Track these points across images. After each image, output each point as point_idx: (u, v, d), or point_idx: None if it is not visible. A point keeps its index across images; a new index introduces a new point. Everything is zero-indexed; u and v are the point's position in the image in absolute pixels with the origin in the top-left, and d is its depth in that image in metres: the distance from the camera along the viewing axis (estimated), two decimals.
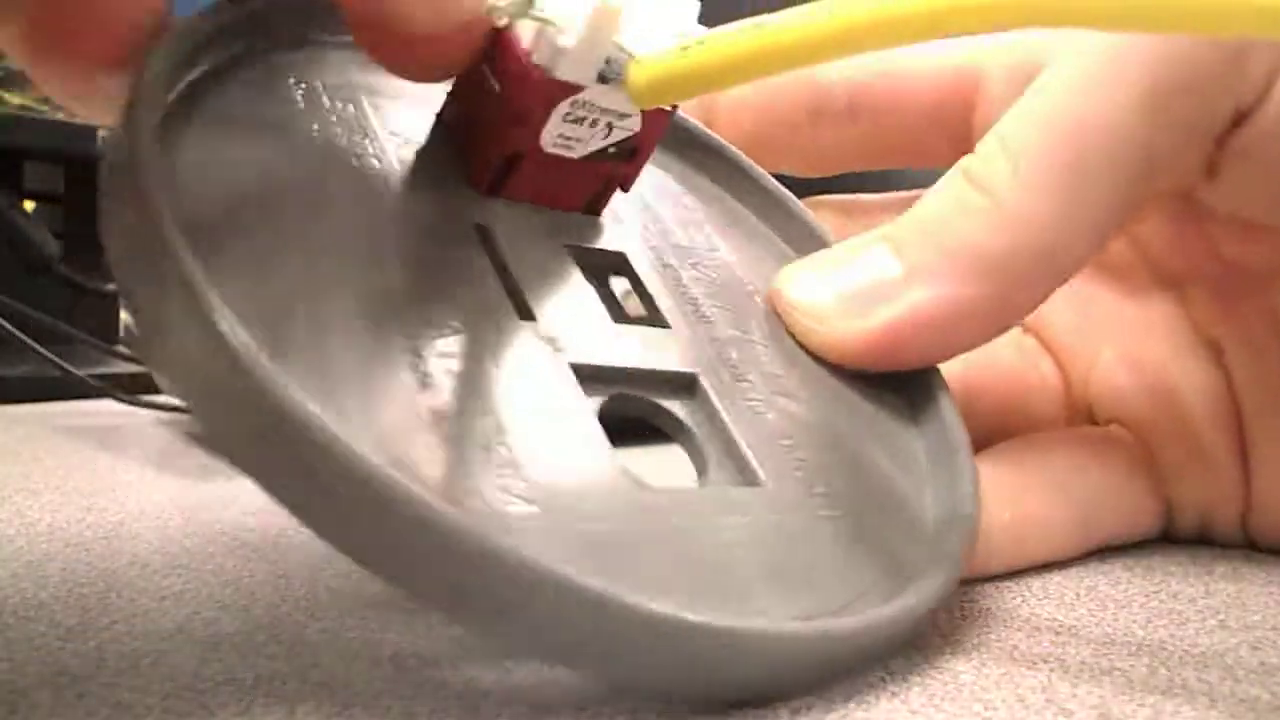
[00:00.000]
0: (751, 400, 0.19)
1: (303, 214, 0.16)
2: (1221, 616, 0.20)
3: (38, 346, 0.40)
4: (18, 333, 0.40)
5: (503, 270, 0.18)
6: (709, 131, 0.24)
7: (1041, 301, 0.21)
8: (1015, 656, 0.17)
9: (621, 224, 0.21)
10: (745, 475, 0.17)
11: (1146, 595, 0.21)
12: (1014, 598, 0.20)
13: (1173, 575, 0.22)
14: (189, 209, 0.15)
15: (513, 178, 0.19)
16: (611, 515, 0.15)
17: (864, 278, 0.21)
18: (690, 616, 0.13)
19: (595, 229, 0.20)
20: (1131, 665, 0.17)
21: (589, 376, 0.17)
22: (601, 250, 0.20)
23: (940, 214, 0.21)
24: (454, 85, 0.20)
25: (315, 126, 0.18)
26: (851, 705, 0.15)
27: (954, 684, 0.16)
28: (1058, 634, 0.18)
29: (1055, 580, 0.22)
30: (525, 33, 0.18)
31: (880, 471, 0.19)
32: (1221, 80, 0.20)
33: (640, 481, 0.16)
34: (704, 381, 0.18)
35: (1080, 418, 0.26)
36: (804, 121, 0.26)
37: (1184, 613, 0.20)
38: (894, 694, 0.16)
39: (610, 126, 0.19)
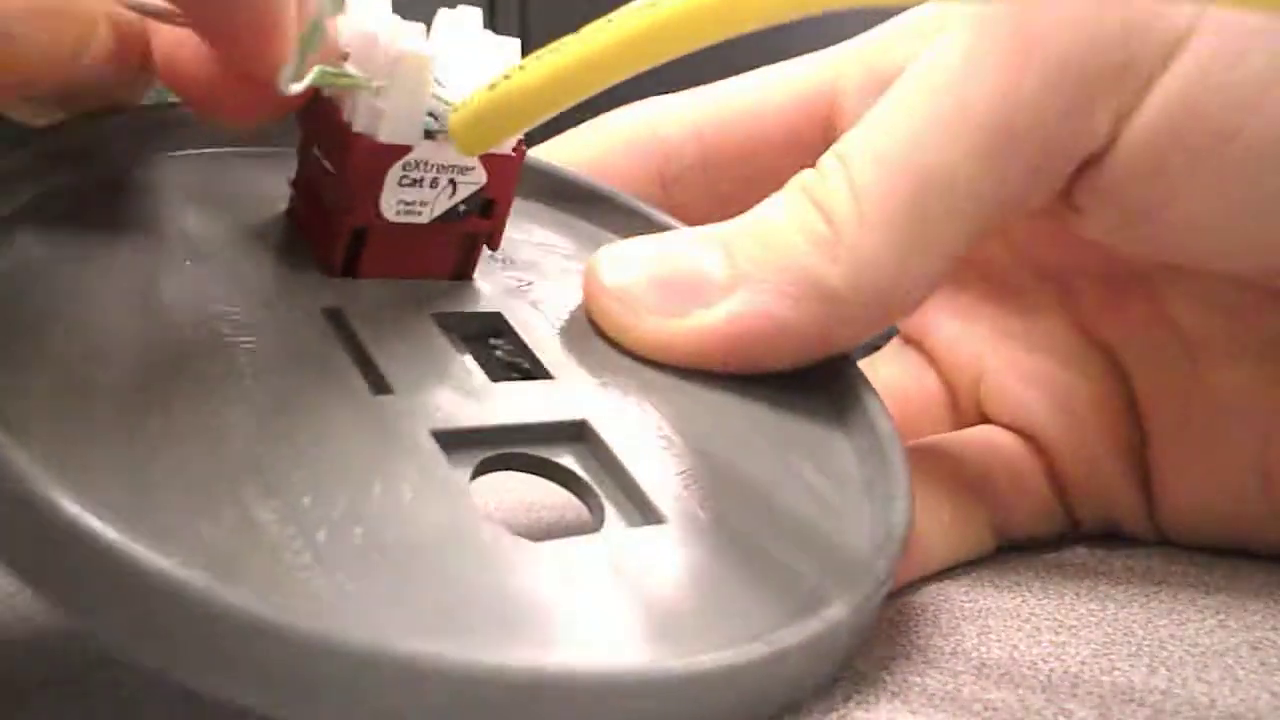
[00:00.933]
0: (652, 435, 0.18)
1: (123, 332, 0.16)
2: (1221, 616, 0.20)
3: None
4: None
5: (358, 350, 0.17)
6: (585, 176, 0.24)
7: (864, 338, 0.21)
8: (1015, 656, 0.17)
9: (496, 283, 0.20)
10: (647, 515, 0.17)
11: (1147, 595, 0.21)
12: (1014, 598, 0.20)
13: (1173, 575, 0.22)
14: None
15: (364, 255, 0.19)
16: (461, 579, 0.14)
17: (687, 273, 0.20)
18: (484, 662, 0.12)
19: (467, 293, 0.20)
20: (1131, 665, 0.17)
21: (456, 441, 0.16)
22: (474, 314, 0.19)
23: (779, 229, 0.20)
24: (295, 175, 0.19)
25: (140, 241, 0.18)
26: (851, 705, 0.15)
27: (954, 684, 0.16)
28: (1057, 634, 0.18)
29: (1055, 580, 0.22)
30: (344, 101, 0.17)
31: (803, 487, 0.18)
32: (1068, 125, 0.19)
33: (512, 539, 0.15)
34: (594, 425, 0.18)
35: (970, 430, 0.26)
36: (657, 187, 0.25)
37: (1184, 613, 0.20)
38: (894, 694, 0.16)
39: (454, 183, 0.18)
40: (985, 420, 0.25)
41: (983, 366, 0.25)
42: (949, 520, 0.21)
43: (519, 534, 0.15)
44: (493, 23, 1.14)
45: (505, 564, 0.14)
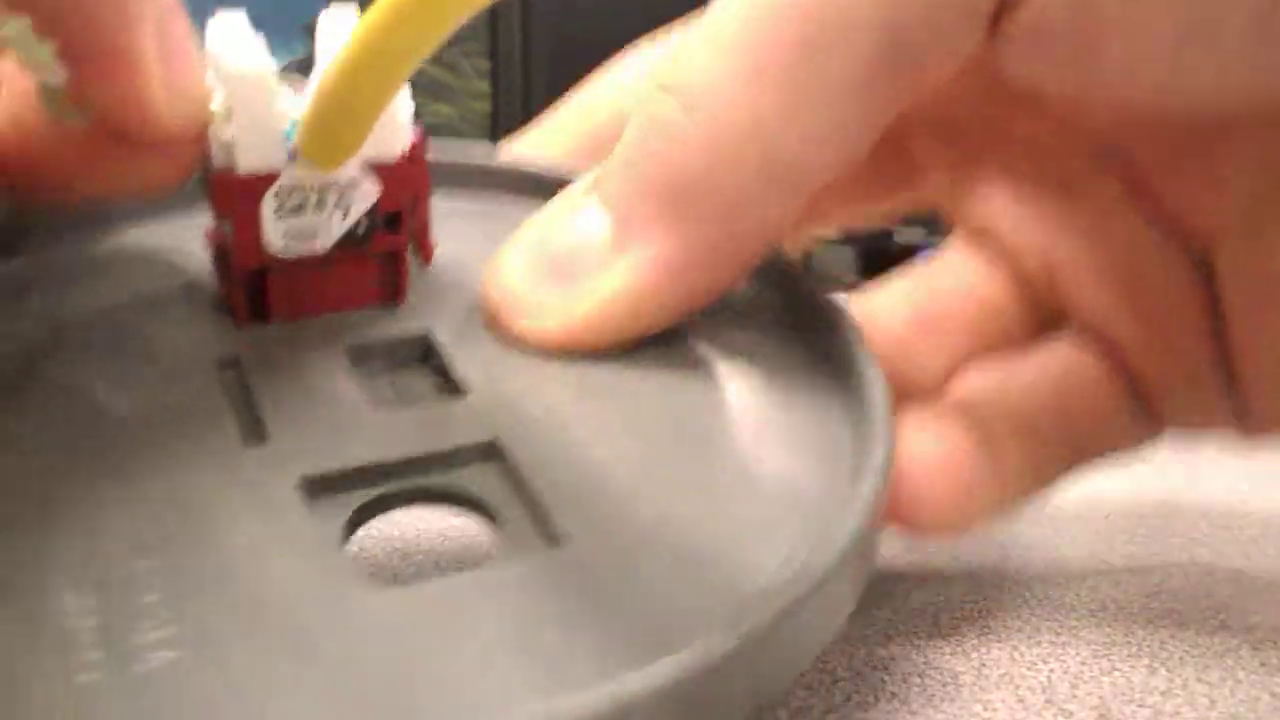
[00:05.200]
0: (574, 445, 0.16)
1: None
2: (1222, 616, 0.20)
3: None
4: None
5: (244, 399, 0.16)
6: (509, 160, 0.22)
7: (789, 222, 0.17)
8: (1015, 657, 0.17)
9: (439, 300, 0.19)
10: (547, 536, 0.15)
11: (1147, 595, 0.21)
12: (1014, 598, 0.20)
13: (1172, 575, 0.22)
14: None
15: (269, 297, 0.17)
16: (300, 643, 0.13)
17: (564, 245, 0.18)
18: None
19: (395, 317, 0.18)
20: (1131, 665, 0.17)
21: (330, 484, 0.15)
22: (398, 340, 0.18)
23: (636, 139, 0.17)
24: (209, 229, 0.18)
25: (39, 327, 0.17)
26: (851, 705, 0.15)
27: (954, 684, 0.16)
28: (1058, 634, 0.18)
29: (1056, 580, 0.22)
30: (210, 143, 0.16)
31: (745, 491, 0.16)
32: None
33: (372, 588, 0.14)
34: (505, 441, 0.16)
35: (1043, 329, 0.24)
36: None
37: (1184, 613, 0.20)
38: (894, 694, 0.16)
39: (343, 203, 0.17)
40: (1061, 316, 0.24)
41: (1053, 262, 0.23)
42: (1019, 461, 0.20)
43: (406, 575, 0.14)
44: (494, 27, 1.14)
45: (363, 627, 0.13)
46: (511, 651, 0.13)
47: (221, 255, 0.18)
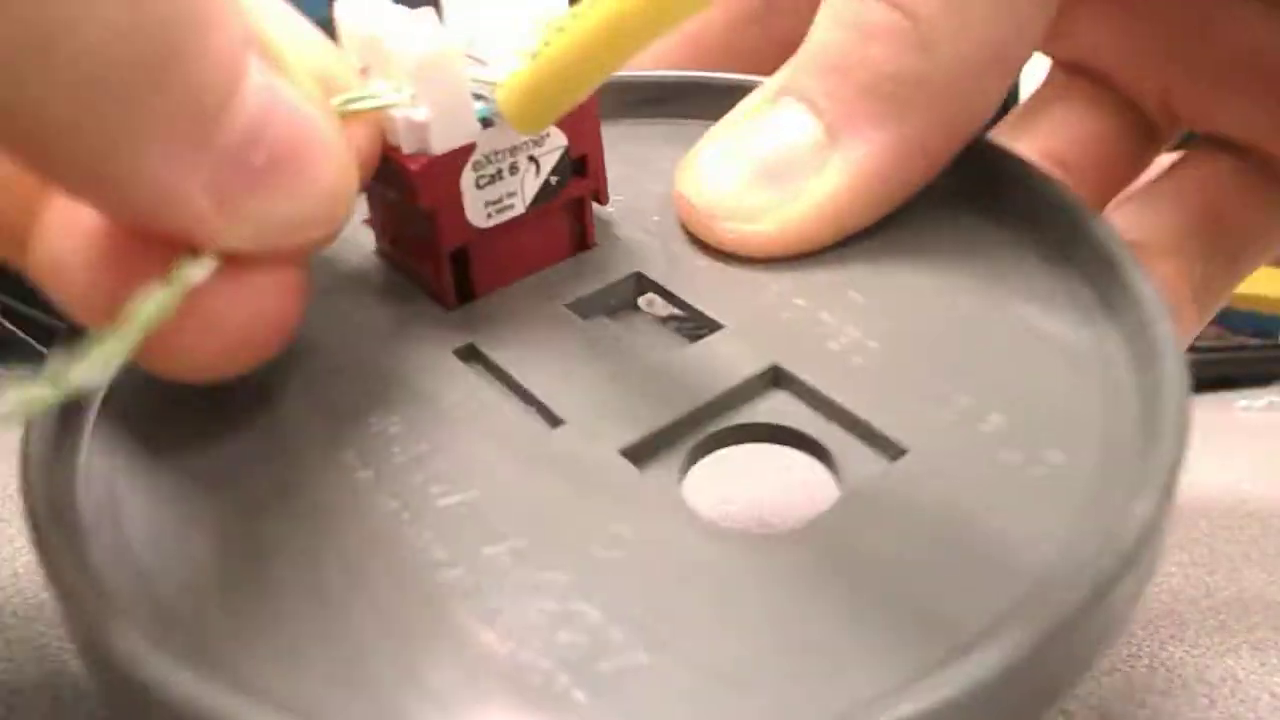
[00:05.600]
0: (854, 354, 0.15)
1: (261, 485, 0.14)
2: (1222, 616, 0.19)
3: (39, 346, 0.40)
4: (18, 332, 0.40)
5: (509, 383, 0.16)
6: (661, 71, 0.21)
7: (996, 105, 0.18)
8: None
9: (623, 238, 0.18)
10: (885, 448, 0.14)
11: (1147, 595, 0.21)
12: None
13: (1172, 575, 0.22)
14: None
15: (474, 274, 0.17)
16: (709, 635, 0.12)
17: (780, 149, 0.17)
18: None
19: (596, 265, 0.18)
20: (1131, 665, 0.17)
21: (649, 448, 0.14)
22: (611, 285, 0.17)
23: (844, 47, 0.17)
24: (369, 213, 0.17)
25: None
26: None
27: None
28: None
29: None
30: (389, 130, 0.15)
31: (1031, 403, 0.15)
32: None
33: (749, 550, 0.13)
34: (788, 366, 0.15)
35: (1171, 144, 0.23)
36: (759, 12, 0.22)
37: (1184, 613, 0.20)
38: None
39: (534, 159, 0.16)
40: (1180, 134, 0.23)
41: (1170, 79, 0.22)
42: (1180, 288, 0.20)
43: (760, 525, 0.14)
44: None
45: (738, 586, 0.13)
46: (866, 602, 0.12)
47: (405, 242, 0.17)
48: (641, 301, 0.18)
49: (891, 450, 0.14)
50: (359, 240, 0.18)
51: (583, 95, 0.15)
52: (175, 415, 0.15)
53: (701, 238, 0.18)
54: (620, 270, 0.17)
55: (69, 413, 0.14)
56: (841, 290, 0.17)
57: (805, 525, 0.13)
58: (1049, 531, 0.13)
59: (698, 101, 0.20)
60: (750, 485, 0.21)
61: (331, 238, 0.14)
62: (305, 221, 0.13)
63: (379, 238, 0.18)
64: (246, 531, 0.13)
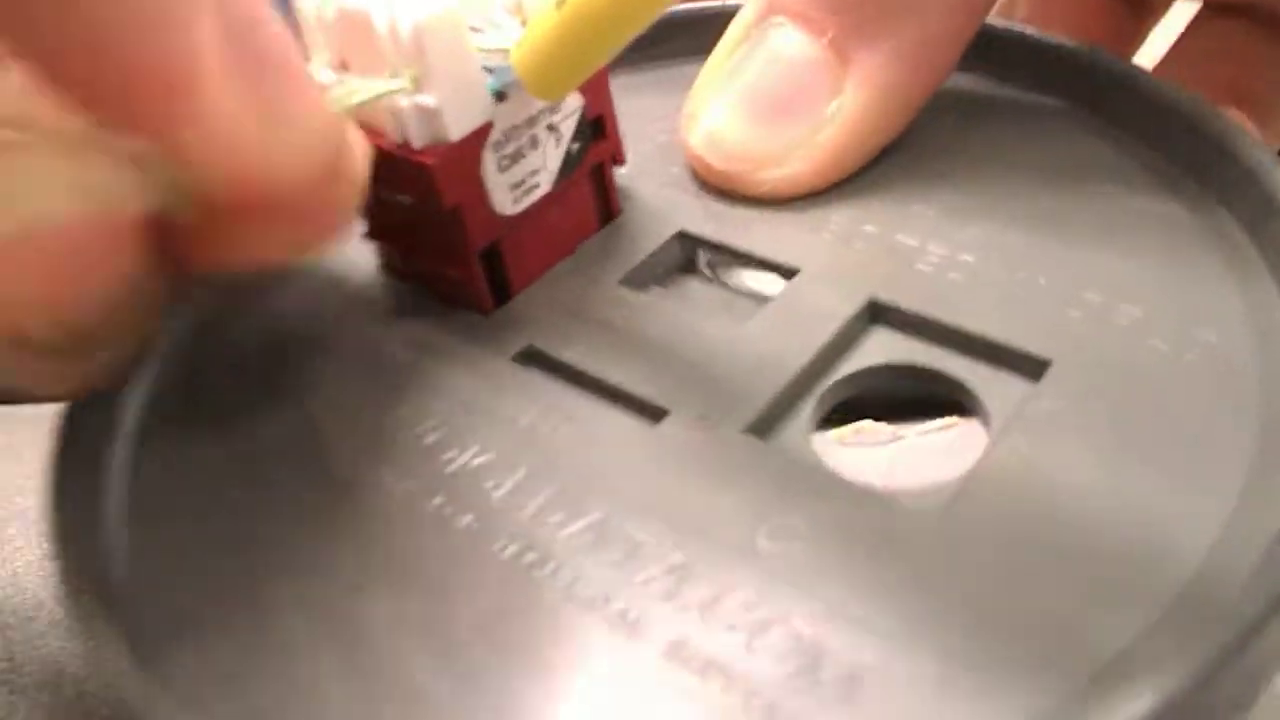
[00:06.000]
0: (952, 275, 0.14)
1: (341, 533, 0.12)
2: None
3: None
4: None
5: (590, 383, 0.14)
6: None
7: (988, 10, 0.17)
8: None
9: (648, 198, 0.16)
10: (1023, 367, 0.13)
11: None
12: None
13: None
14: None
15: (508, 271, 0.15)
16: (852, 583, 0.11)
17: (786, 79, 0.16)
18: None
19: (631, 232, 0.16)
20: None
21: (772, 420, 0.13)
22: (657, 252, 0.16)
23: None
24: (368, 226, 0.15)
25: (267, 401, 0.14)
26: None
27: None
28: None
29: None
30: (388, 125, 0.13)
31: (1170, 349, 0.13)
32: None
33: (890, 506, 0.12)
34: (885, 299, 0.14)
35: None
36: None
37: None
38: None
39: (553, 128, 0.15)
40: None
41: None
42: None
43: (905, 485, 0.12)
44: None
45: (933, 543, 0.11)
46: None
47: (421, 250, 0.15)
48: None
49: (1030, 367, 0.13)
50: (359, 261, 0.16)
51: (617, 48, 0.13)
52: (225, 474, 0.13)
53: (741, 192, 0.16)
54: (660, 233, 0.16)
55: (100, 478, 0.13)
56: (905, 206, 0.15)
57: (956, 483, 0.12)
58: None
59: (679, 40, 0.19)
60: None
61: (332, 227, 0.12)
62: (306, 149, 0.11)
63: (385, 253, 0.16)
64: (346, 615, 0.11)
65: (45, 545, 0.21)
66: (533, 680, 0.10)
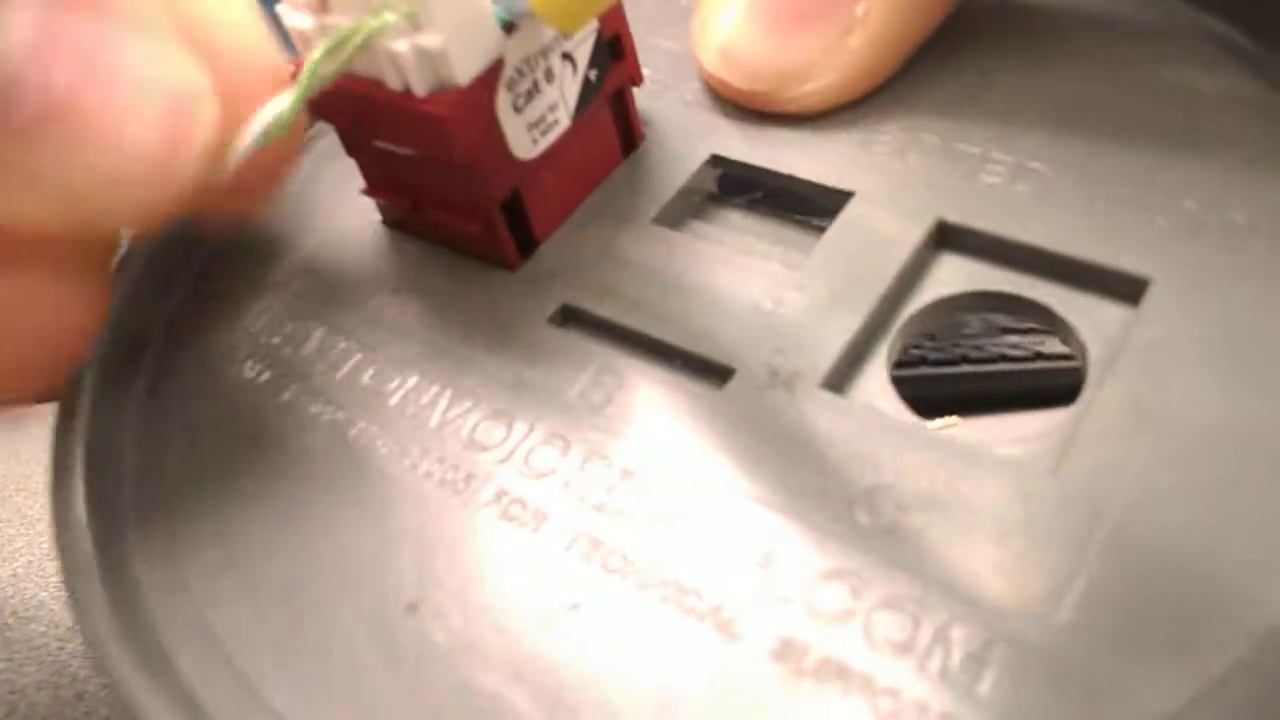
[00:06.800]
0: (1020, 188, 0.13)
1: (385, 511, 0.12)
2: None
3: None
4: None
5: (639, 342, 0.12)
6: None
7: None
8: None
9: (671, 121, 0.15)
10: (1119, 289, 0.11)
11: None
12: None
13: None
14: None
15: (532, 219, 0.14)
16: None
17: None
18: None
19: (657, 161, 0.14)
20: None
21: (849, 369, 0.12)
22: (690, 181, 0.14)
23: None
24: (368, 182, 0.14)
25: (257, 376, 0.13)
26: None
27: None
28: None
29: None
30: (385, 72, 0.12)
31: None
32: None
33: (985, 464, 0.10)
34: (954, 220, 0.12)
35: None
36: None
37: None
38: None
39: (568, 56, 0.13)
40: None
41: None
42: None
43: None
44: None
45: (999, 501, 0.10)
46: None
47: (431, 203, 0.14)
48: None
49: (1128, 288, 0.11)
50: (360, 217, 0.15)
51: None
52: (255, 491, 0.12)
53: (774, 110, 0.15)
54: (690, 159, 0.14)
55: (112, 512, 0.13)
56: (960, 111, 0.14)
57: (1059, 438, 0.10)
58: None
59: None
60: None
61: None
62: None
63: (387, 208, 0.14)
64: (388, 637, 0.10)
65: (45, 545, 0.21)
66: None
